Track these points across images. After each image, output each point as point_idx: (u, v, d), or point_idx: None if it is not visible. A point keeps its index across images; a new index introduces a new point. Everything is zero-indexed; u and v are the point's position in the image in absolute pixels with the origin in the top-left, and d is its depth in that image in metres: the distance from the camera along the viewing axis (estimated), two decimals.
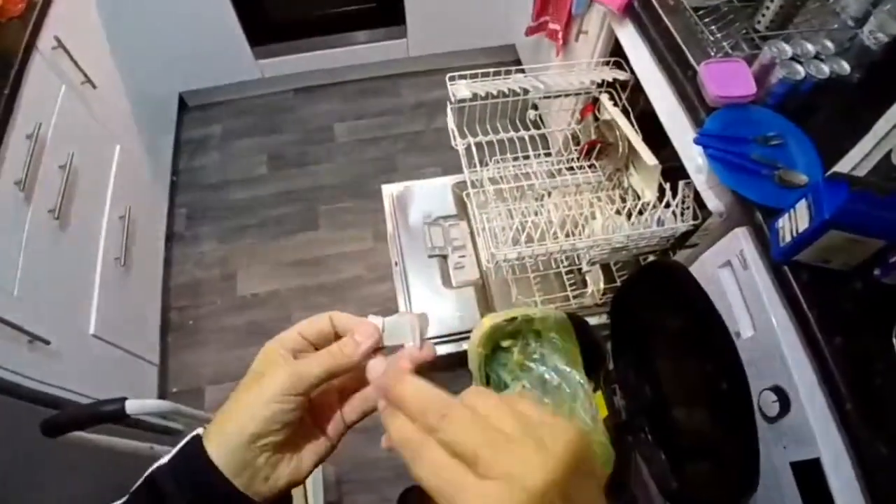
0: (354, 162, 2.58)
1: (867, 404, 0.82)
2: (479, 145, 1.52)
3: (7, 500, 1.03)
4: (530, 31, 2.02)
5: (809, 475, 0.88)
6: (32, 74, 1.42)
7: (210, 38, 2.32)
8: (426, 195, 1.99)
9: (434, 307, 1.77)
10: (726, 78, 1.11)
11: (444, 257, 1.84)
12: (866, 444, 0.81)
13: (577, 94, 1.60)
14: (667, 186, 1.31)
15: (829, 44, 1.15)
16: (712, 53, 1.21)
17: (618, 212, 1.41)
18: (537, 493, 0.30)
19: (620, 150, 1.46)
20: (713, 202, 1.13)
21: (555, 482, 0.31)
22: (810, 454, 0.87)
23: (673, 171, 1.31)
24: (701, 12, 1.26)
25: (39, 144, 1.38)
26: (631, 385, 1.33)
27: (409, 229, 1.92)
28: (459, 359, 1.48)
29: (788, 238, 0.90)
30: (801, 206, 0.88)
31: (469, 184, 1.47)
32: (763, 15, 1.22)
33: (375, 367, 0.46)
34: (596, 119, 1.57)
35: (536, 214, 1.49)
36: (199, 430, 0.44)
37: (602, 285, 1.62)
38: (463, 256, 1.84)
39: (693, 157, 1.15)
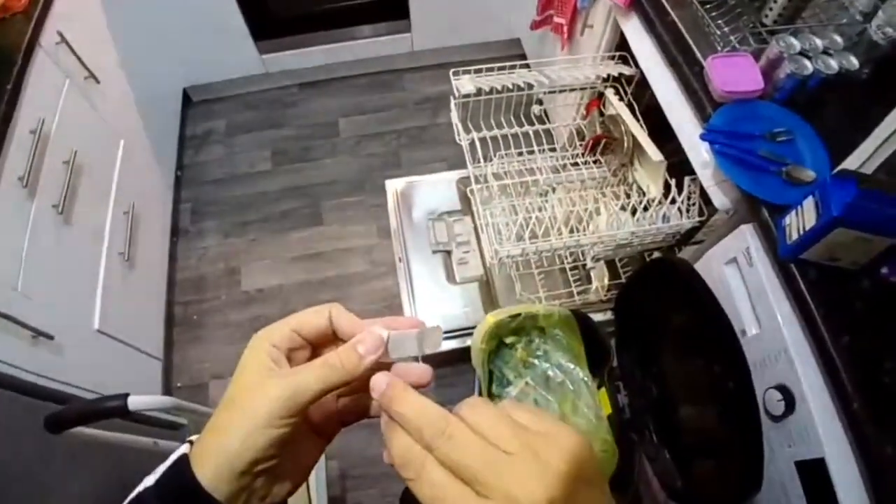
0: (358, 157, 2.57)
1: (873, 404, 0.82)
2: (483, 140, 1.51)
3: (11, 495, 1.03)
4: (535, 26, 2.00)
5: (814, 474, 0.87)
6: (35, 70, 1.42)
7: (214, 33, 2.31)
8: (430, 190, 1.98)
9: (438, 303, 1.76)
10: (733, 73, 1.10)
11: (448, 253, 1.84)
12: (872, 443, 0.80)
13: (582, 89, 1.60)
14: (672, 182, 1.30)
15: (838, 38, 1.13)
16: (719, 48, 1.19)
17: (622, 208, 1.40)
18: None
19: (625, 145, 1.45)
20: (719, 199, 1.12)
21: (554, 499, 0.31)
22: (815, 454, 0.87)
23: (678, 166, 1.30)
24: (708, 6, 1.25)
25: (43, 140, 1.38)
26: (635, 382, 1.32)
27: (412, 225, 1.91)
28: (462, 355, 1.48)
29: (795, 235, 0.89)
30: (809, 204, 0.87)
31: (473, 179, 1.47)
32: (771, 9, 1.20)
33: (379, 382, 0.40)
34: (601, 114, 1.56)
35: (541, 210, 1.49)
36: (185, 449, 0.40)
37: (606, 282, 1.61)
38: (467, 252, 1.83)
39: (699, 153, 1.14)
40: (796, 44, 1.09)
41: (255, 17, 2.31)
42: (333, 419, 0.46)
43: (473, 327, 1.32)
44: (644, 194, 1.41)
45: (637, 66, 1.41)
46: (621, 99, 1.48)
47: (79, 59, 1.60)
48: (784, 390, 0.91)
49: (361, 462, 1.87)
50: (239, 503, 0.39)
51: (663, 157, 1.33)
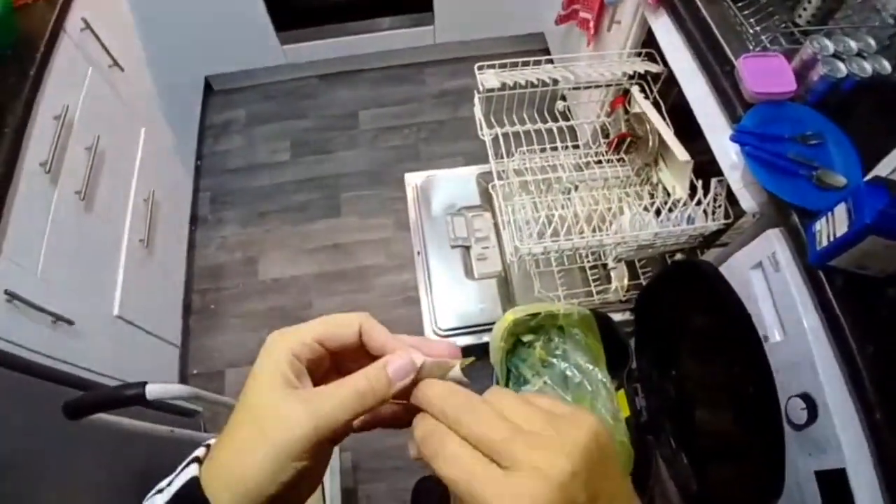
0: (377, 149, 2.56)
1: None
2: (505, 136, 1.50)
3: (28, 479, 1.05)
4: (560, 20, 1.98)
5: (834, 485, 0.86)
6: (60, 56, 1.42)
7: (236, 23, 2.31)
8: (450, 185, 1.97)
9: (455, 298, 1.76)
10: (765, 73, 1.08)
11: (467, 248, 1.83)
12: (894, 456, 0.79)
13: (607, 86, 1.57)
14: (698, 183, 1.28)
15: (872, 41, 1.11)
16: (750, 47, 1.17)
17: (646, 208, 1.39)
18: (560, 483, 0.30)
19: (650, 144, 1.43)
20: (747, 201, 1.10)
21: (576, 472, 0.31)
22: (836, 464, 0.86)
23: (703, 167, 1.28)
24: (740, 4, 1.23)
25: (66, 126, 1.39)
26: (654, 384, 1.31)
27: (431, 219, 1.90)
28: (479, 351, 1.47)
29: (825, 242, 0.88)
30: (841, 210, 0.85)
31: (496, 175, 1.45)
32: (804, 9, 1.18)
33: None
34: (626, 112, 1.54)
35: (563, 208, 1.47)
36: (195, 471, 0.36)
37: (626, 282, 1.60)
38: (486, 248, 1.82)
39: (727, 154, 1.12)
40: (830, 45, 1.07)
41: (277, 7, 2.30)
42: (347, 428, 0.43)
43: (490, 324, 1.32)
44: (668, 195, 1.39)
45: (664, 63, 1.39)
46: (647, 97, 1.46)
47: (103, 46, 1.61)
48: (807, 398, 0.90)
49: (373, 455, 1.88)
50: None
51: (690, 157, 1.31)
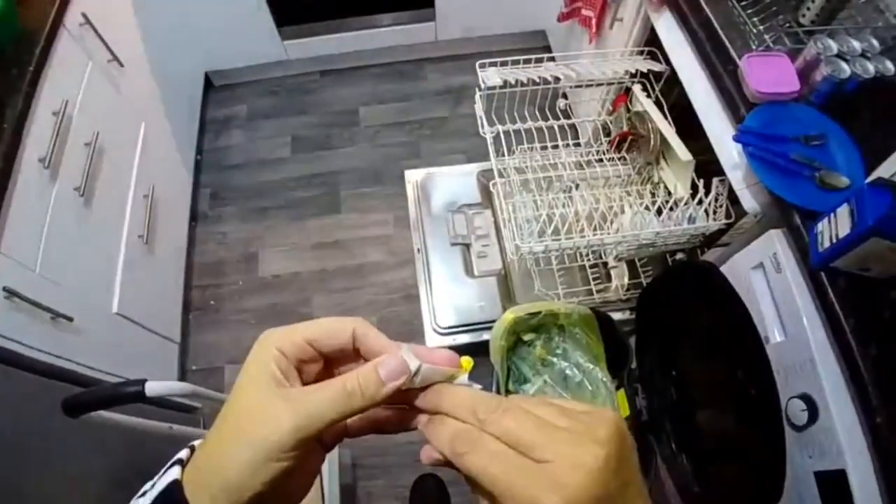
0: (378, 146, 2.56)
1: None
2: (506, 133, 1.50)
3: (28, 475, 1.04)
4: (563, 17, 1.97)
5: (834, 487, 0.86)
6: (59, 51, 1.42)
7: (237, 18, 2.30)
8: (450, 182, 1.97)
9: (455, 295, 1.76)
10: (769, 73, 1.07)
11: (467, 246, 1.83)
12: (894, 458, 0.79)
13: (609, 84, 1.57)
14: (700, 183, 1.28)
15: (875, 42, 1.11)
16: (754, 47, 1.17)
17: (647, 207, 1.38)
18: (597, 471, 0.31)
19: (652, 143, 1.43)
20: (749, 201, 1.10)
21: (609, 460, 0.32)
22: (836, 465, 0.86)
23: (704, 166, 1.27)
24: (743, 3, 1.22)
25: (65, 122, 1.38)
26: (654, 384, 1.30)
27: (431, 216, 1.90)
28: (477, 349, 1.47)
29: (828, 243, 0.87)
30: (843, 211, 0.85)
31: (496, 173, 1.45)
32: (808, 8, 1.17)
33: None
34: (628, 110, 1.54)
35: (564, 206, 1.47)
36: (176, 474, 0.36)
37: (626, 281, 1.60)
38: (486, 246, 1.82)
39: (730, 154, 1.12)
40: (834, 45, 1.06)
41: (278, 2, 2.29)
42: (339, 432, 0.43)
43: (490, 321, 1.32)
44: (670, 194, 1.39)
45: (667, 62, 1.38)
46: (649, 95, 1.45)
47: (103, 41, 1.60)
48: (808, 400, 0.90)
49: (372, 451, 1.88)
50: None
51: (692, 157, 1.31)
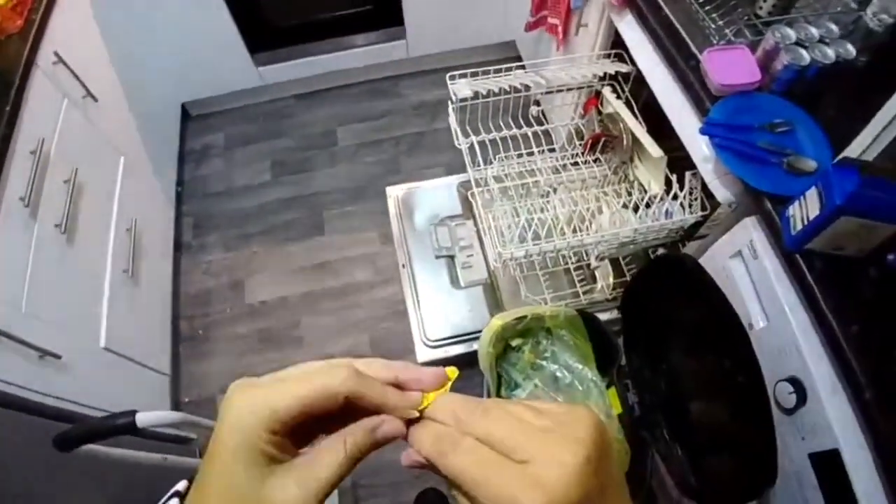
0: (358, 165, 2.57)
1: (886, 392, 0.81)
2: (482, 144, 1.51)
3: None
4: (530, 27, 2.00)
5: (829, 466, 0.86)
6: (34, 90, 1.42)
7: (209, 47, 2.32)
8: (431, 196, 1.99)
9: (443, 308, 1.76)
10: (730, 65, 1.10)
11: (452, 257, 1.84)
12: (886, 432, 0.80)
13: (579, 88, 1.59)
14: (673, 178, 1.30)
15: (834, 27, 1.13)
16: (714, 41, 1.19)
17: (625, 205, 1.40)
18: (577, 470, 0.31)
19: (625, 142, 1.45)
20: (721, 192, 1.11)
21: (590, 459, 0.32)
22: (829, 445, 0.86)
23: (679, 161, 1.29)
24: (701, 0, 1.25)
25: (43, 160, 1.38)
26: (644, 380, 1.31)
27: (415, 231, 1.91)
28: (469, 359, 1.48)
29: (800, 226, 0.89)
30: (812, 194, 0.87)
31: (473, 183, 1.46)
32: (765, 0, 1.20)
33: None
34: (599, 113, 1.56)
35: (542, 211, 1.49)
36: None
37: (611, 280, 1.61)
38: (470, 256, 1.83)
39: (699, 147, 1.14)
40: (792, 34, 1.09)
41: (249, 29, 2.31)
42: None
43: (479, 331, 1.32)
44: (646, 191, 1.41)
45: (633, 63, 1.41)
46: (619, 97, 1.48)
47: (76, 77, 1.61)
48: (795, 382, 0.91)
49: (372, 471, 1.86)
50: None
51: (663, 153, 1.33)
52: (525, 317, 1.26)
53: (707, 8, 1.23)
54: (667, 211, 1.27)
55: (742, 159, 1.03)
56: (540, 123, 1.57)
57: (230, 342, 2.16)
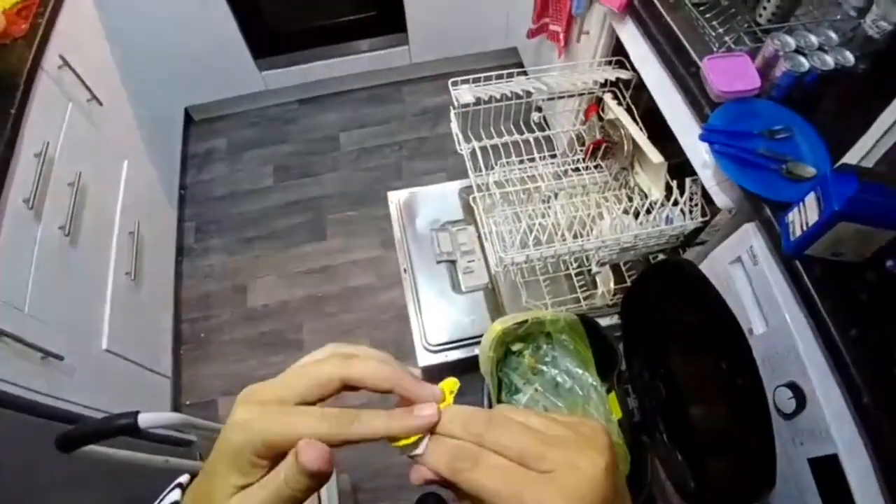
0: (360, 170, 2.58)
1: (884, 396, 0.81)
2: (483, 149, 1.52)
3: None
4: (532, 34, 2.02)
5: (828, 471, 0.86)
6: (39, 94, 1.43)
7: (214, 52, 2.33)
8: (433, 201, 1.99)
9: (444, 312, 1.77)
10: (730, 72, 1.11)
11: (453, 262, 1.84)
12: (885, 437, 0.80)
13: (580, 95, 1.60)
14: (674, 184, 1.31)
15: (833, 34, 1.14)
16: (714, 48, 1.20)
17: (625, 211, 1.41)
18: (596, 477, 0.33)
19: (626, 148, 1.46)
20: (721, 198, 1.12)
21: (607, 467, 0.33)
22: (828, 450, 0.86)
23: (680, 167, 1.30)
24: (701, 7, 1.26)
25: (48, 163, 1.39)
26: (644, 385, 1.31)
27: (416, 235, 1.92)
28: (470, 364, 1.48)
29: (799, 231, 0.90)
30: (811, 199, 0.88)
31: (475, 188, 1.47)
32: (764, 8, 1.21)
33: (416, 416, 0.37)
34: (600, 119, 1.57)
35: (544, 216, 1.49)
36: (177, 496, 0.37)
37: (612, 286, 1.61)
38: (472, 261, 1.84)
39: (699, 154, 1.15)
40: (791, 41, 1.10)
41: (254, 34, 2.33)
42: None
43: (480, 336, 1.32)
44: (646, 197, 1.41)
45: (634, 69, 1.42)
46: (620, 103, 1.49)
47: (81, 81, 1.62)
48: (794, 387, 0.91)
49: (373, 475, 1.86)
50: None
51: (664, 159, 1.34)
52: (526, 321, 1.26)
53: (707, 16, 1.24)
54: (667, 217, 1.28)
55: (741, 166, 1.03)
56: (541, 129, 1.58)
57: (231, 345, 2.17)
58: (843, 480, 0.84)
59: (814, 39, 1.11)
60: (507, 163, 1.62)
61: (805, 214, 0.89)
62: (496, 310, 1.74)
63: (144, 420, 0.95)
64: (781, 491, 0.97)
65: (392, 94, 2.81)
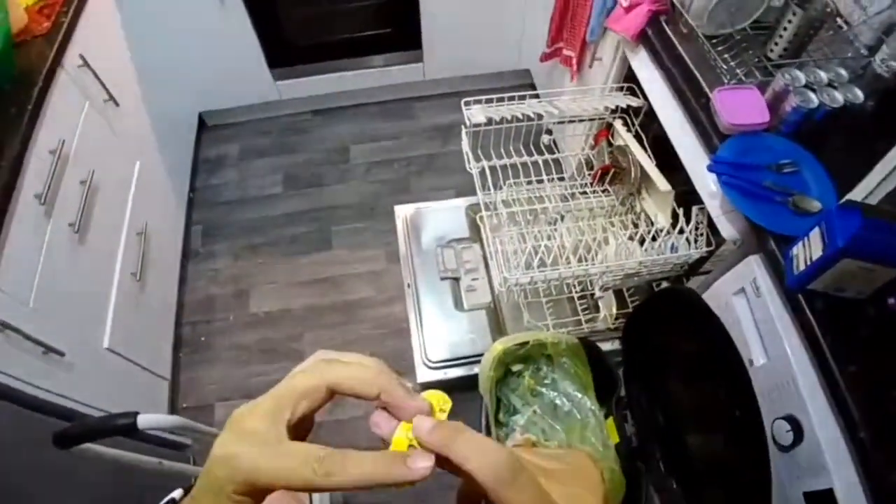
0: (368, 183, 2.60)
1: (882, 433, 0.81)
2: (492, 169, 1.53)
3: None
4: (545, 58, 2.04)
5: None
6: (57, 91, 1.46)
7: (231, 60, 2.36)
8: (439, 217, 2.00)
9: (445, 329, 1.77)
10: (740, 105, 1.12)
11: (457, 280, 1.85)
12: (881, 473, 0.80)
13: (591, 120, 1.62)
14: (680, 212, 1.31)
15: (843, 71, 1.15)
16: (725, 81, 1.21)
17: (631, 237, 1.41)
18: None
19: (633, 175, 1.47)
20: (727, 229, 1.13)
21: (606, 498, 0.36)
22: (824, 484, 0.86)
23: (686, 196, 1.31)
24: (714, 40, 1.28)
25: (62, 160, 1.41)
26: (643, 411, 1.31)
27: (421, 251, 1.92)
28: (469, 382, 1.48)
29: (803, 266, 0.90)
30: (815, 235, 0.88)
31: (483, 206, 1.48)
32: (776, 43, 1.23)
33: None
34: (610, 144, 1.58)
35: (549, 238, 1.50)
36: None
37: (615, 310, 1.62)
38: (475, 279, 1.84)
39: (706, 184, 1.15)
40: (802, 77, 1.11)
41: (271, 44, 2.36)
42: None
43: (480, 355, 1.32)
44: (652, 224, 1.42)
45: (645, 97, 1.43)
46: (629, 130, 1.50)
47: (100, 82, 1.64)
48: (792, 420, 0.91)
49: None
50: None
51: (671, 187, 1.35)
52: (527, 342, 1.26)
53: (719, 48, 1.26)
54: (672, 245, 1.29)
55: (748, 197, 1.04)
56: (551, 152, 1.59)
57: (231, 351, 2.17)
58: None
59: (823, 76, 1.13)
60: (515, 183, 1.63)
61: (809, 249, 0.89)
62: (498, 329, 1.74)
63: (144, 421, 0.95)
64: None
65: (404, 109, 2.83)
